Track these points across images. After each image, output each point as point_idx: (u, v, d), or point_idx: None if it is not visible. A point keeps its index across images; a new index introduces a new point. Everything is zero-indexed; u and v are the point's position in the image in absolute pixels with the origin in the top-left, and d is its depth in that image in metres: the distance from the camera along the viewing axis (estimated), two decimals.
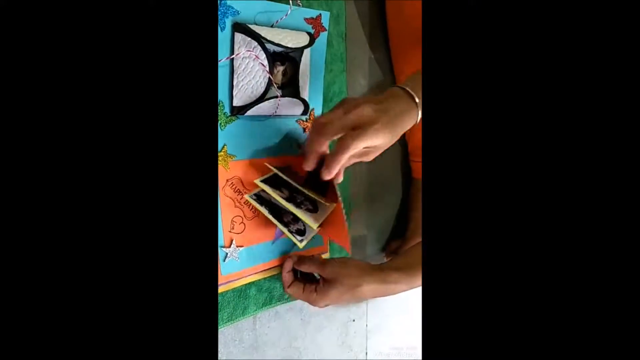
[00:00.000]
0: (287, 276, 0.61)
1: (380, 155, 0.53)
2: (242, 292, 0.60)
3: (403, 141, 0.85)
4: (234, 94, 0.55)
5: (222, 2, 0.52)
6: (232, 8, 0.53)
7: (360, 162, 0.54)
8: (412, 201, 0.87)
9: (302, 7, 0.60)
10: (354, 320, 0.84)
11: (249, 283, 0.61)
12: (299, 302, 0.71)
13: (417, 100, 0.49)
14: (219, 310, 0.58)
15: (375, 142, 0.47)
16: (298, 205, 0.55)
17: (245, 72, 0.54)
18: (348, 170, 0.64)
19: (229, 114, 0.56)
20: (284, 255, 0.64)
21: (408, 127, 0.51)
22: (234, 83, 0.54)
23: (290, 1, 0.53)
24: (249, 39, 0.53)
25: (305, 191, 0.56)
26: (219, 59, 0.52)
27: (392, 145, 0.51)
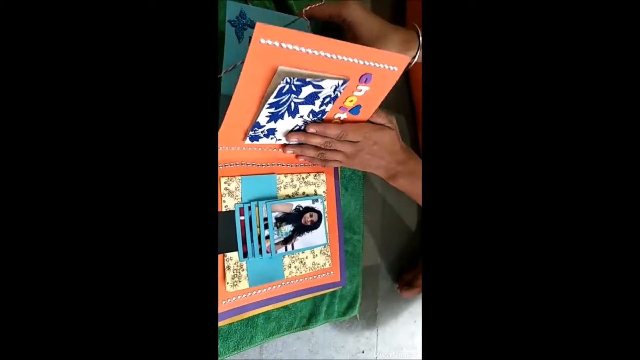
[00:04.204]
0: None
1: None
2: (249, 321, 0.57)
3: None
4: None
5: (242, 14, 0.53)
6: (253, 22, 0.53)
7: (376, 190, 0.52)
8: None
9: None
10: (363, 352, 0.81)
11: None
12: (307, 332, 0.68)
13: None
14: (225, 339, 0.55)
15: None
16: None
17: None
18: (361, 198, 0.62)
19: None
20: None
21: None
22: None
23: (305, 18, 0.52)
24: None
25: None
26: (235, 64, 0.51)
27: None
